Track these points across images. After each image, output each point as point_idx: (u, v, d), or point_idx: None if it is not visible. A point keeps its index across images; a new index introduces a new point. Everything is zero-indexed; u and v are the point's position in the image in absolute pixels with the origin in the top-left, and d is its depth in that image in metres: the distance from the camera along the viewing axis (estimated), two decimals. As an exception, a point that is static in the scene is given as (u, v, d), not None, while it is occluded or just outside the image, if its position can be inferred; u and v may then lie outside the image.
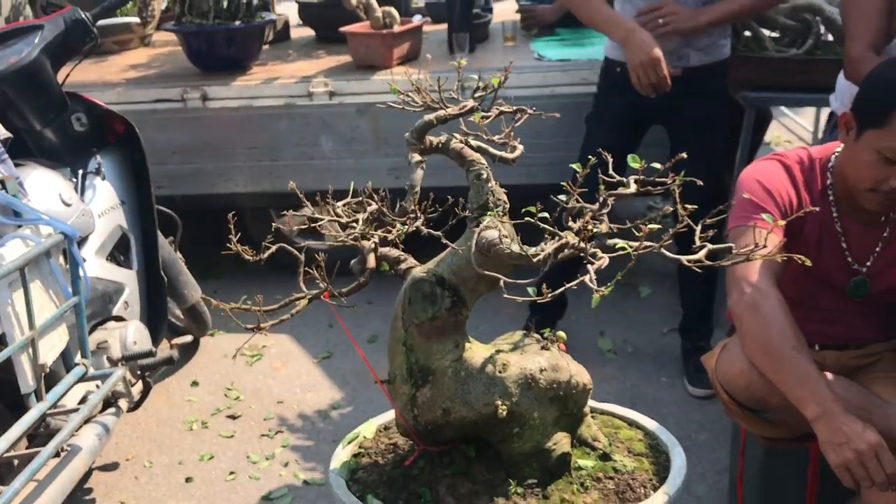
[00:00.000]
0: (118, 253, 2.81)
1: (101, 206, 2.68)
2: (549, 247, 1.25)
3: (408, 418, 1.52)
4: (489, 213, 1.39)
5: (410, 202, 1.36)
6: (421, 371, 1.48)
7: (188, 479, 2.68)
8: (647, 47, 2.58)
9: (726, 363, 1.88)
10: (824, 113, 4.43)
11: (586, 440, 1.59)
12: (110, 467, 2.76)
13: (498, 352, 1.50)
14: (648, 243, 1.23)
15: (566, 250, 1.25)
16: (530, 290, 1.24)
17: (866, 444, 1.58)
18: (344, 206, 1.51)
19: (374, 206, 1.39)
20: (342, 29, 3.76)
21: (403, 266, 1.56)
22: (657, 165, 1.32)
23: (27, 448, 2.18)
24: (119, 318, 2.66)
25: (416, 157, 1.39)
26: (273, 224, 3.95)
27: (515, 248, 1.30)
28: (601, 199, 1.32)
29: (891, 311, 2.05)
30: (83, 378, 2.28)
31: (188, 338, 3.21)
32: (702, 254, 1.26)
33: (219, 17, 3.70)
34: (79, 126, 2.75)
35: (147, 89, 3.66)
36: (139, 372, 2.55)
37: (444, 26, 4.23)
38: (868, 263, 1.93)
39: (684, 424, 2.80)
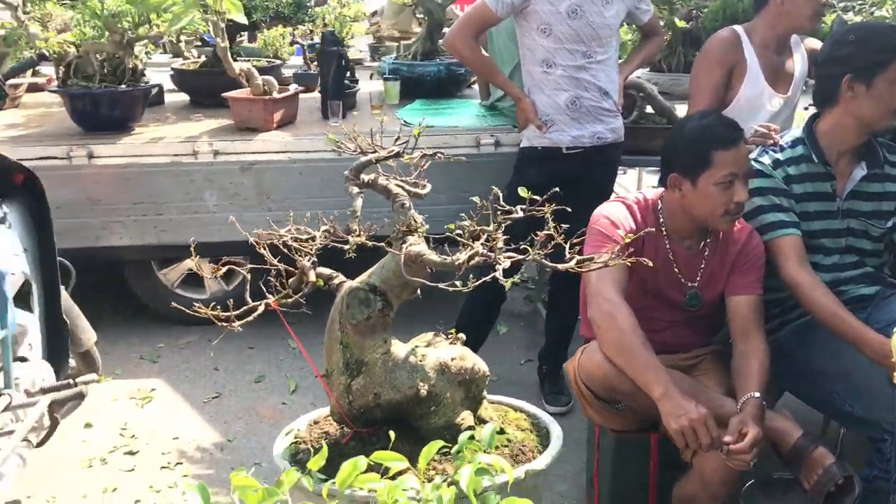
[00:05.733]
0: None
1: (5, 251, 2.83)
2: (463, 255, 1.65)
3: (343, 405, 1.84)
4: (413, 233, 1.77)
5: (354, 223, 1.73)
6: (356, 363, 1.82)
7: (95, 510, 2.83)
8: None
9: (587, 360, 2.33)
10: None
11: (484, 419, 1.97)
12: (10, 505, 2.86)
13: (417, 347, 1.87)
14: (538, 251, 1.65)
15: (476, 258, 1.65)
16: (458, 283, 1.62)
17: (697, 415, 2.05)
18: (286, 231, 1.85)
19: (326, 226, 1.74)
20: (225, 95, 4.07)
21: (336, 281, 1.91)
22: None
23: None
24: (23, 359, 2.80)
25: (356, 189, 1.77)
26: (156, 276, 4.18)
27: (436, 257, 1.68)
28: (498, 222, 1.74)
29: (707, 321, 2.59)
30: (7, 408, 2.42)
31: (93, 376, 3.32)
32: (572, 263, 1.70)
33: (104, 80, 3.92)
34: None
35: (32, 147, 3.80)
36: (48, 407, 2.69)
37: (315, 94, 4.64)
38: (698, 279, 2.44)
39: (545, 436, 3.24)
